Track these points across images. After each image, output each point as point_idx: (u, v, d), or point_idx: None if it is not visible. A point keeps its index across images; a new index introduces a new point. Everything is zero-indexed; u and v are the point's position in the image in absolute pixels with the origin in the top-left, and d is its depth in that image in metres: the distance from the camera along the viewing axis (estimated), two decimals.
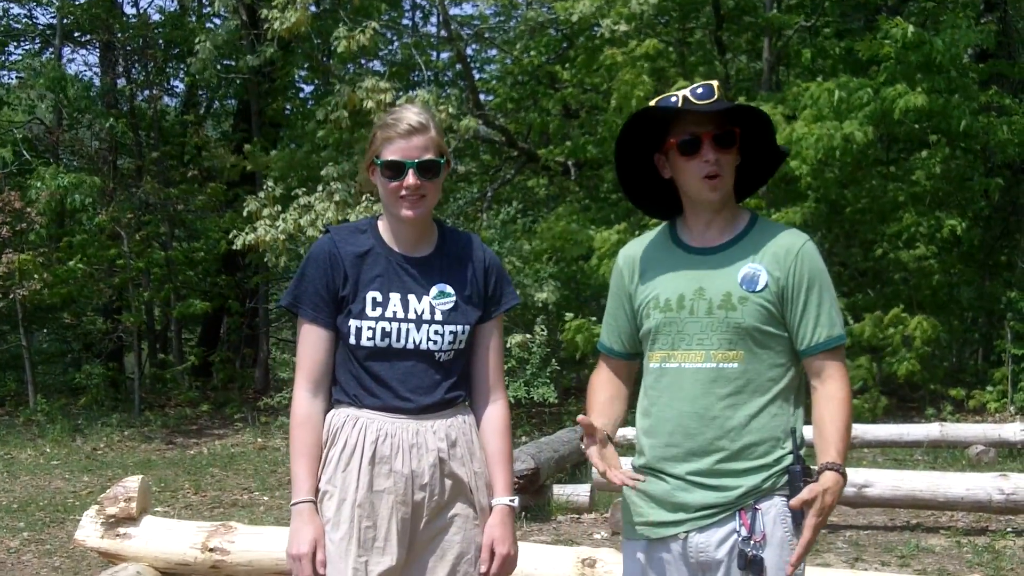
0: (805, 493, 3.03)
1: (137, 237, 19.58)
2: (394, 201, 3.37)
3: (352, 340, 3.37)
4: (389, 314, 3.36)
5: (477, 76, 23.21)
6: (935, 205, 18.15)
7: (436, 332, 3.38)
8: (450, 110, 14.77)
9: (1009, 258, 20.05)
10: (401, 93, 15.12)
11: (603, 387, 3.48)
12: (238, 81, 21.99)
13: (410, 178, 3.33)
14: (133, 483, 6.29)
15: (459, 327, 3.41)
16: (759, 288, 3.13)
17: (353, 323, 3.37)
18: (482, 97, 20.82)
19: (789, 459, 3.13)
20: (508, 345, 14.78)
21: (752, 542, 3.08)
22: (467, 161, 21.82)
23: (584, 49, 18.93)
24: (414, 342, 3.36)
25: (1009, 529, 8.59)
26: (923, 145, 18.22)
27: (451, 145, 16.59)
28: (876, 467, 10.78)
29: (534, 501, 9.37)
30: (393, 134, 3.36)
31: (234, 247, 15.32)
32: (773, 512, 3.11)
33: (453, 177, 19.86)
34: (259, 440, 15.61)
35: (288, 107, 24.70)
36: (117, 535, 6.20)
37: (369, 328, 3.35)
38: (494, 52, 23.50)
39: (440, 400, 3.40)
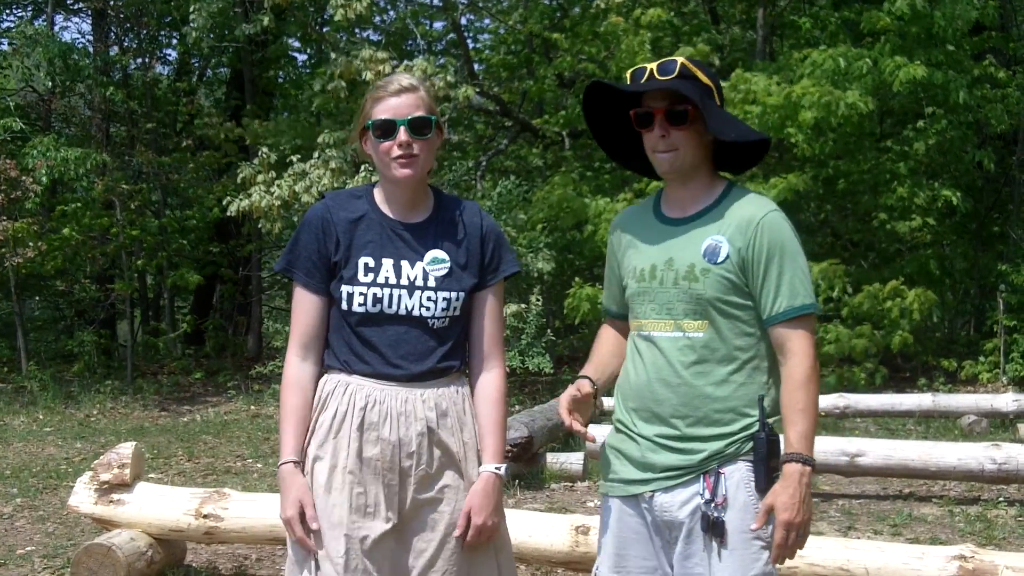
0: (762, 509, 3.14)
1: (132, 207, 19.50)
2: (387, 163, 3.37)
3: (344, 305, 3.37)
4: (381, 280, 3.36)
5: (471, 46, 23.13)
6: (929, 176, 18.16)
7: (429, 298, 3.37)
8: (448, 79, 14.70)
9: (1002, 229, 20.05)
10: (396, 63, 15.03)
11: (608, 340, 3.58)
12: (231, 50, 21.88)
13: (402, 135, 3.33)
14: (126, 450, 6.30)
15: (453, 294, 3.41)
16: (720, 260, 3.19)
17: (345, 288, 3.37)
18: (476, 67, 20.74)
19: (755, 427, 3.17)
20: (504, 315, 14.78)
21: (714, 504, 3.14)
22: (461, 131, 21.76)
23: (580, 18, 18.86)
24: (406, 308, 3.36)
25: (1001, 498, 8.62)
26: (918, 117, 18.20)
27: (446, 114, 16.56)
28: (869, 436, 10.80)
29: (527, 469, 9.39)
30: (384, 94, 3.38)
31: (228, 213, 15.25)
32: (737, 476, 3.17)
33: (447, 146, 19.83)
34: (252, 408, 15.61)
35: (281, 76, 24.60)
36: (111, 501, 6.22)
37: (360, 294, 3.36)
38: (488, 22, 23.41)
39: (432, 368, 3.39)
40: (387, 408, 3.34)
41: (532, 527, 5.84)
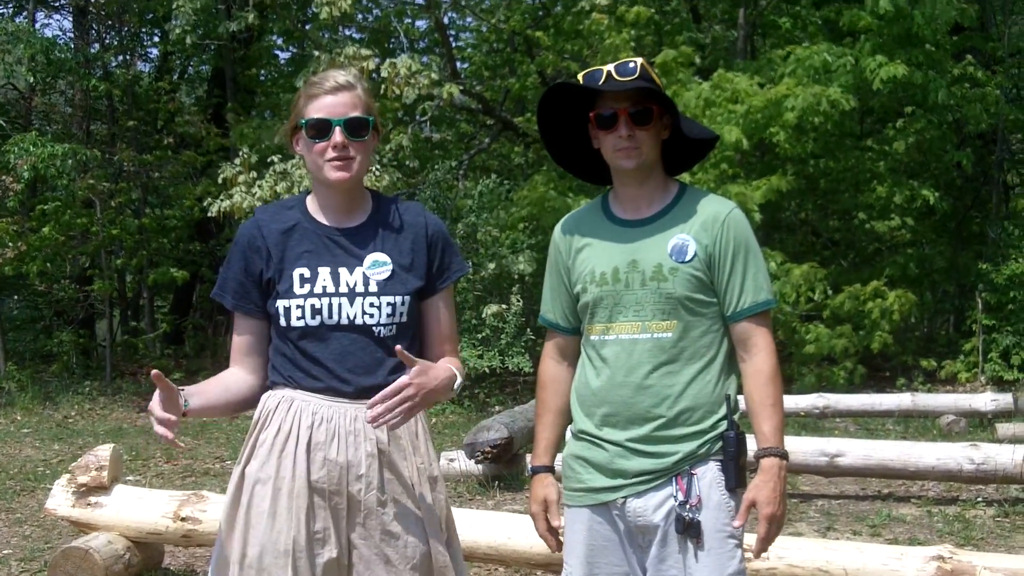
0: (744, 504, 3.17)
1: (112, 204, 19.43)
2: (320, 164, 3.20)
3: (282, 322, 3.19)
4: (318, 290, 3.18)
5: (454, 44, 23.13)
6: (909, 175, 18.24)
7: (372, 304, 3.19)
8: (432, 76, 14.68)
9: (981, 229, 20.14)
10: (379, 60, 15.00)
11: (555, 384, 3.49)
12: (213, 47, 21.83)
13: (337, 136, 3.16)
14: (104, 452, 6.29)
15: (397, 298, 3.22)
16: (688, 258, 3.20)
17: (281, 303, 3.19)
18: (458, 65, 20.74)
19: (724, 425, 3.20)
20: (483, 315, 14.77)
21: (688, 506, 3.14)
22: (443, 129, 21.75)
23: (563, 16, 18.88)
24: (348, 317, 3.18)
25: (979, 498, 8.64)
26: (898, 117, 18.29)
27: (429, 112, 16.53)
28: (848, 437, 10.83)
29: (507, 470, 9.37)
30: (318, 91, 3.20)
31: (209, 214, 15.20)
32: (709, 476, 3.18)
33: (429, 145, 19.81)
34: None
35: (263, 74, 24.55)
36: (88, 504, 6.20)
37: (298, 307, 3.18)
38: (471, 20, 23.42)
39: (383, 382, 3.11)
40: (335, 427, 3.16)
41: (512, 529, 5.82)
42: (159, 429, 2.97)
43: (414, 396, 3.04)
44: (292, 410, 3.18)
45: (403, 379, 3.04)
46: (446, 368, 3.21)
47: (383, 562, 3.17)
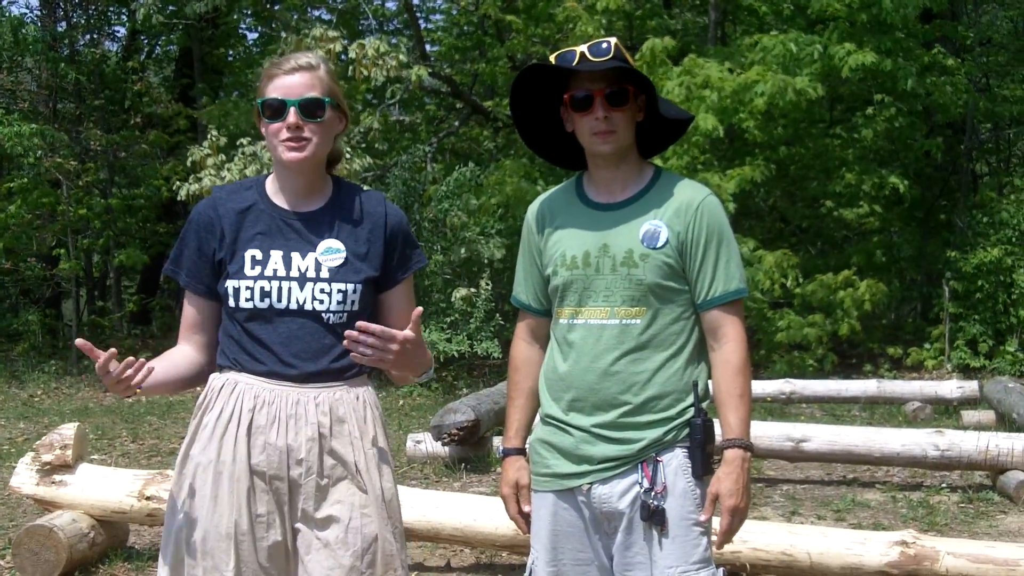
0: (708, 497, 3.13)
1: (80, 184, 19.29)
2: (275, 145, 3.16)
3: (231, 302, 3.17)
4: (269, 272, 3.15)
5: (423, 26, 23.06)
6: (879, 163, 18.31)
7: (322, 291, 3.15)
8: (400, 58, 14.62)
9: (949, 217, 20.25)
10: (347, 41, 14.93)
11: (527, 366, 3.45)
12: (181, 27, 21.69)
13: (291, 116, 3.11)
14: (69, 430, 6.26)
15: (349, 285, 3.17)
16: (660, 245, 3.15)
17: (231, 284, 3.16)
18: (427, 47, 20.69)
19: (690, 412, 3.16)
20: (453, 299, 14.76)
21: (654, 493, 3.11)
22: (412, 112, 21.68)
23: (533, 0, 18.84)
24: (297, 302, 3.14)
25: (943, 485, 8.70)
26: (867, 104, 18.35)
27: (397, 95, 16.46)
28: (814, 422, 10.88)
29: (474, 453, 9.38)
30: (278, 72, 3.16)
31: (178, 197, 15.08)
32: (675, 463, 3.15)
33: (398, 128, 19.75)
34: (198, 389, 15.39)
35: (231, 54, 24.42)
36: (53, 482, 6.17)
37: (247, 288, 3.14)
38: (440, 2, 23.39)
39: (327, 368, 3.15)
40: (276, 410, 3.13)
41: (477, 511, 5.83)
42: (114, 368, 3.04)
43: (396, 351, 3.00)
44: (235, 393, 3.15)
45: (402, 332, 2.99)
46: (430, 356, 3.20)
47: (324, 547, 3.13)
